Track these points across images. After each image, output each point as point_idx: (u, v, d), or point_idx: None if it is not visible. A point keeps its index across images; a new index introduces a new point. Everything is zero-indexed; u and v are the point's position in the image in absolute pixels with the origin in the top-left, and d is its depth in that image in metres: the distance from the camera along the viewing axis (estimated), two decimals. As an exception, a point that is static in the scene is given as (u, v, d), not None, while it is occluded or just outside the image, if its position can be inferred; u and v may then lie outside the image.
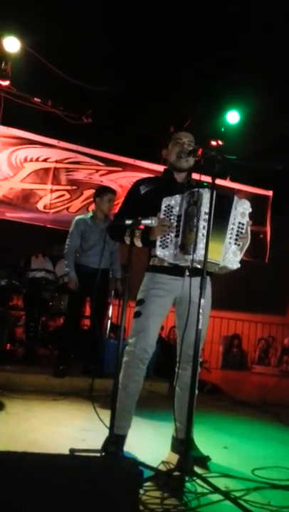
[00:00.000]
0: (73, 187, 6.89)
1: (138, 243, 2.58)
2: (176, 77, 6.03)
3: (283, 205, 8.23)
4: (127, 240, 2.60)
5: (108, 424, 2.35)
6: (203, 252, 2.33)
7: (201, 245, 2.36)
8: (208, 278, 2.37)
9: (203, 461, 2.60)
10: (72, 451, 2.46)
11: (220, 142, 6.96)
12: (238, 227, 2.48)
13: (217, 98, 6.59)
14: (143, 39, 5.59)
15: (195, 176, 2.72)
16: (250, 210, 2.51)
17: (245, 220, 2.50)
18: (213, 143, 7.01)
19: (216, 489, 2.11)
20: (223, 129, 6.98)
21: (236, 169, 7.04)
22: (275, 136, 7.07)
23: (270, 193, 7.94)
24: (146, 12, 5.30)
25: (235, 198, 2.51)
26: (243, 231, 2.49)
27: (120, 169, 7.16)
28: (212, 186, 2.35)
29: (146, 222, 2.47)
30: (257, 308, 8.90)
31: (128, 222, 2.46)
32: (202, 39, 5.53)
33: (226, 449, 3.05)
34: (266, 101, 6.25)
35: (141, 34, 5.53)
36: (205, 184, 2.49)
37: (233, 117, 6.82)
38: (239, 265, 2.51)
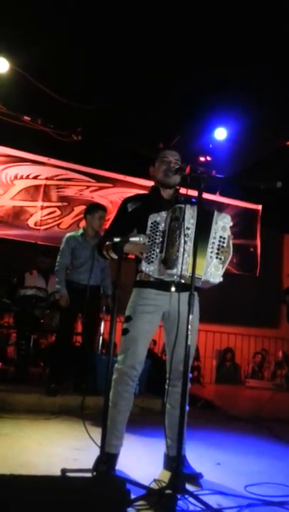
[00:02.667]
0: (64, 203, 6.92)
1: (113, 255, 2.61)
2: (165, 94, 6.12)
3: (273, 218, 8.31)
4: (106, 255, 2.63)
5: (99, 442, 2.34)
6: (184, 266, 2.36)
7: (180, 260, 2.38)
8: (195, 293, 2.38)
9: (196, 478, 2.58)
10: (63, 471, 2.43)
11: (208, 158, 7.08)
12: (219, 241, 2.50)
13: (205, 115, 6.70)
14: (132, 56, 5.68)
15: (182, 190, 2.76)
16: (231, 223, 2.54)
17: (227, 234, 2.52)
18: (202, 159, 7.12)
19: (207, 507, 2.11)
20: (211, 146, 7.11)
21: (225, 184, 7.12)
22: (265, 151, 7.17)
23: (259, 206, 8.01)
24: (134, 29, 5.38)
25: (216, 212, 2.52)
26: (224, 245, 2.51)
27: (111, 185, 7.22)
28: (198, 203, 2.38)
29: (134, 239, 2.50)
30: (249, 322, 8.90)
31: (116, 239, 2.49)
32: (190, 56, 5.62)
33: (219, 465, 3.03)
34: (254, 118, 6.35)
35: (130, 51, 5.61)
36: (193, 201, 2.53)
37: (220, 134, 6.96)
38: (221, 279, 2.52)
